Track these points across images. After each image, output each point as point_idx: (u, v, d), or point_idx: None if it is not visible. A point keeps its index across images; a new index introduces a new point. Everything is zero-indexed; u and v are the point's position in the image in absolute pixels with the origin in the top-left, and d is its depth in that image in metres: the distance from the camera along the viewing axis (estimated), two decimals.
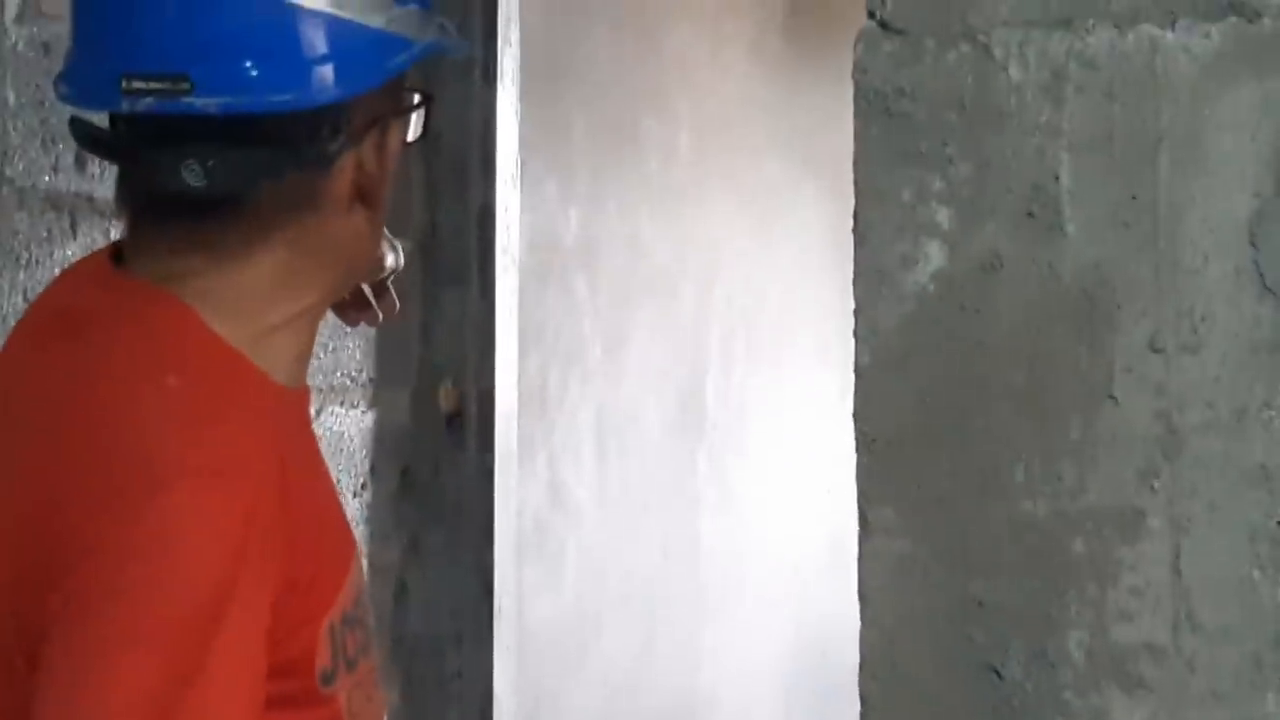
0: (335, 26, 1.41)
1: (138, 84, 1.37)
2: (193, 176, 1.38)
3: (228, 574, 1.31)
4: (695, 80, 4.50)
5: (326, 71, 1.40)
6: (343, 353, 3.05)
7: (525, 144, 3.33)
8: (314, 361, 2.93)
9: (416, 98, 1.52)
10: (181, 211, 1.42)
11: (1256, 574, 1.37)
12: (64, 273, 1.59)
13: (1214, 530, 1.38)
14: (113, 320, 1.43)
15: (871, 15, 1.47)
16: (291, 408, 1.49)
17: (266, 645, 1.35)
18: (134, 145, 1.43)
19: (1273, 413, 1.37)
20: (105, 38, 1.40)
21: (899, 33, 1.46)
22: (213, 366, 1.42)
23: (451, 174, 3.24)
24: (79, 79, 1.42)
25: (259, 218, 1.42)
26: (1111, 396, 1.40)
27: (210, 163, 1.37)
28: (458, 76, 3.22)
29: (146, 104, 1.37)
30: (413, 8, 1.47)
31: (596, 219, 4.08)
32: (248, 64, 1.38)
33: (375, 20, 1.43)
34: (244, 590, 1.32)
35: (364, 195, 1.47)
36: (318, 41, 1.40)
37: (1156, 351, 1.39)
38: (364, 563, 2.79)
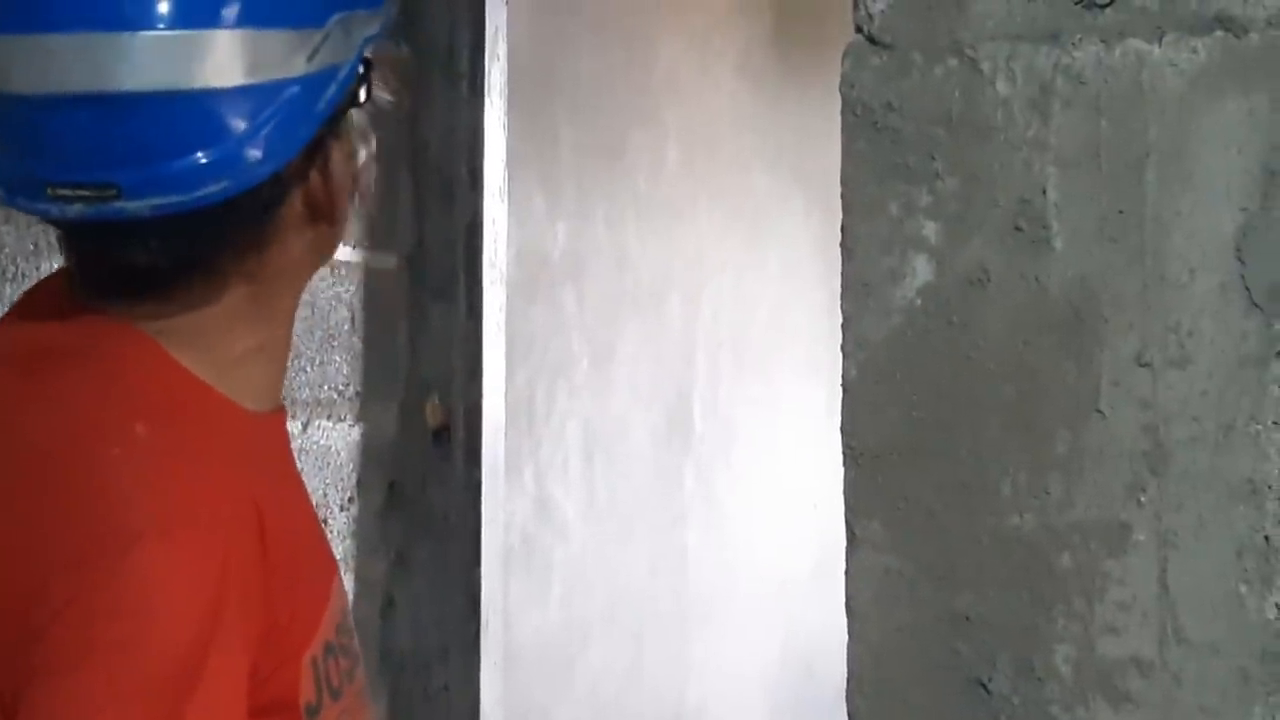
0: (256, 95, 1.35)
1: (64, 191, 1.33)
2: (136, 258, 1.36)
3: (204, 629, 1.29)
4: (683, 94, 4.51)
5: (256, 148, 1.35)
6: (330, 366, 3.04)
7: (513, 158, 3.33)
8: (301, 375, 2.94)
9: (353, 112, 1.46)
10: (132, 277, 1.39)
11: (1243, 588, 1.37)
12: (21, 300, 1.53)
13: (1201, 544, 1.38)
14: (78, 359, 1.40)
15: (859, 30, 1.47)
16: (266, 433, 1.47)
17: (247, 690, 1.33)
18: (73, 233, 1.40)
19: (1259, 427, 1.37)
20: (29, 146, 1.36)
21: (886, 47, 1.46)
22: (181, 407, 1.39)
23: (439, 188, 3.24)
24: (7, 179, 1.37)
25: (214, 267, 1.40)
26: (1099, 410, 1.40)
27: (152, 243, 1.35)
28: (445, 90, 3.22)
29: (76, 210, 1.33)
30: (338, 16, 1.41)
31: (584, 233, 4.08)
32: (173, 164, 1.33)
33: (296, 67, 1.37)
34: (221, 643, 1.29)
35: (320, 214, 1.44)
36: (240, 119, 1.34)
37: (1143, 366, 1.39)
38: (349, 580, 2.79)
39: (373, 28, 1.44)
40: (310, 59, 1.38)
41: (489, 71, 3.23)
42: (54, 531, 1.31)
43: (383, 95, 1.47)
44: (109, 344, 1.40)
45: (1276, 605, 1.36)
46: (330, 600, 1.45)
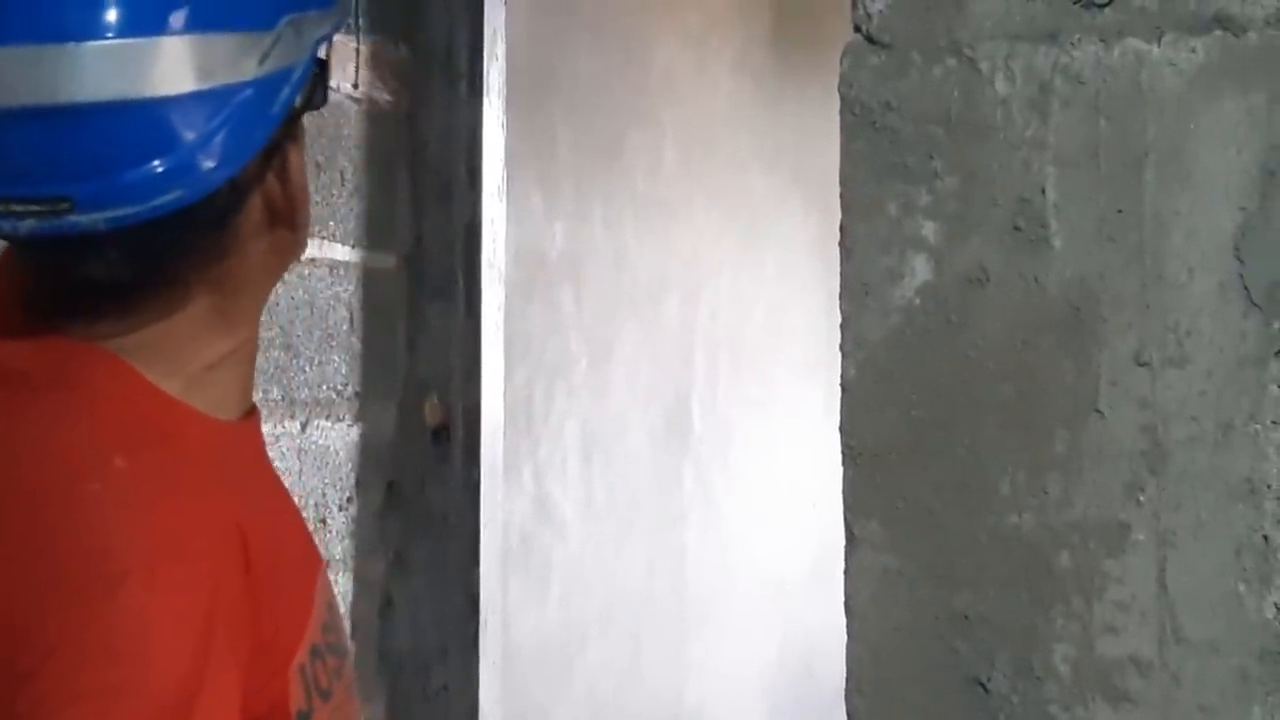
0: (208, 101, 1.33)
1: (15, 207, 1.31)
2: (94, 271, 1.34)
3: (195, 666, 1.27)
4: (681, 94, 4.51)
5: (210, 156, 1.33)
6: (328, 366, 3.04)
7: (511, 158, 3.33)
8: (299, 375, 2.94)
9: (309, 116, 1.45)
10: (91, 292, 1.38)
11: (1242, 587, 1.37)
12: None
13: (1200, 544, 1.38)
14: (47, 388, 1.38)
15: (858, 29, 1.47)
16: (241, 442, 1.46)
17: (237, 710, 1.32)
18: (28, 249, 1.38)
19: (1258, 426, 1.37)
20: None
21: (885, 47, 1.46)
22: (157, 432, 1.37)
23: (437, 188, 3.24)
24: None
25: (175, 277, 1.39)
26: (1097, 410, 1.40)
27: (110, 256, 1.33)
28: (444, 90, 3.22)
29: (29, 225, 1.31)
30: (288, 17, 1.39)
31: (582, 232, 4.08)
32: (125, 175, 1.31)
33: (247, 70, 1.35)
34: (212, 678, 1.28)
35: (281, 218, 1.43)
36: (193, 126, 1.32)
37: (1142, 365, 1.39)
38: (347, 580, 2.78)
39: (324, 28, 1.42)
40: (261, 62, 1.36)
41: (487, 72, 3.23)
42: (38, 572, 1.29)
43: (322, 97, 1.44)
44: (77, 369, 1.38)
45: (1275, 605, 1.36)
46: (315, 603, 1.44)
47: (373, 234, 3.16)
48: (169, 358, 1.39)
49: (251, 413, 1.49)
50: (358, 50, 3.06)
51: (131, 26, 1.31)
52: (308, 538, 1.53)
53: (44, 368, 1.38)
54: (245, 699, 1.33)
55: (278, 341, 2.82)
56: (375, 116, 3.15)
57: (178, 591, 1.28)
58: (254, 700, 1.34)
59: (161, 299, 1.39)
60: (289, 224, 1.43)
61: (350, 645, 1.52)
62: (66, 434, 1.35)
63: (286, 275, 1.56)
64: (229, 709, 1.30)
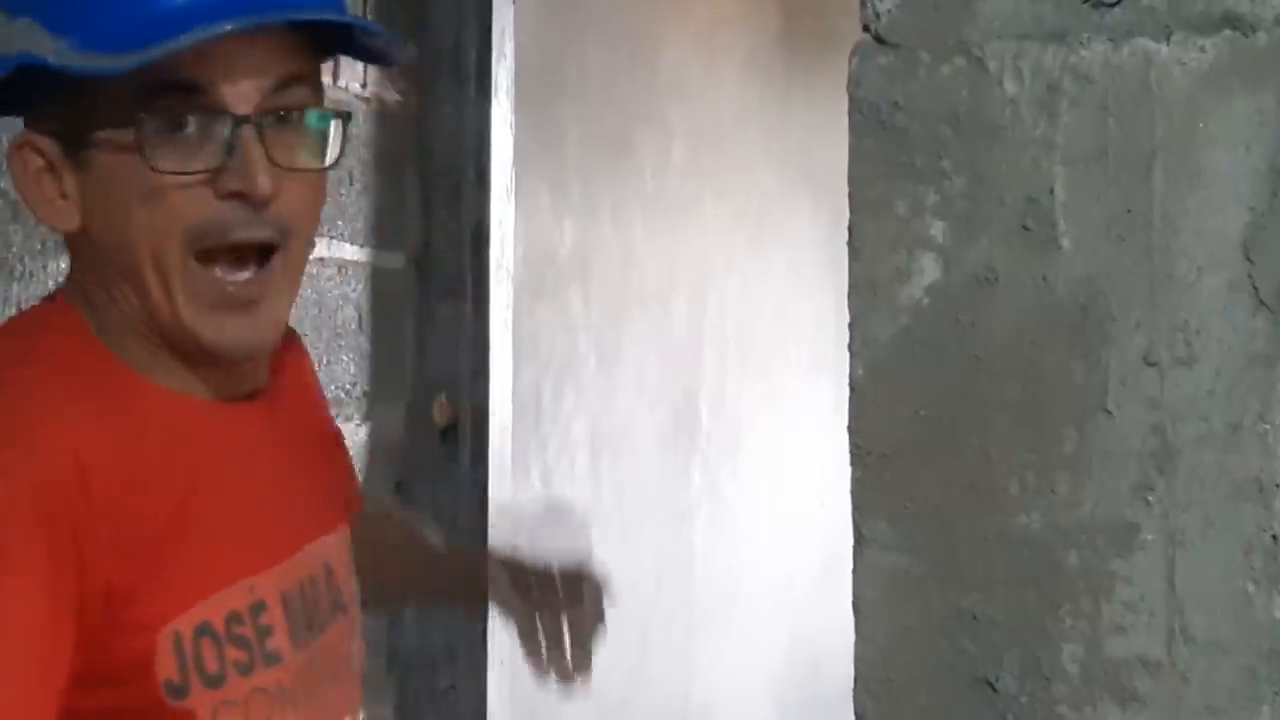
0: None
1: None
2: None
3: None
4: (689, 93, 4.51)
5: None
6: (337, 366, 3.04)
7: (520, 157, 3.33)
8: None
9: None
10: None
11: (1251, 587, 1.37)
12: None
13: (1208, 543, 1.38)
14: (11, 327, 1.49)
15: (866, 29, 1.47)
16: (195, 418, 1.46)
17: (83, 647, 1.34)
18: None
19: (1267, 426, 1.37)
20: None
21: (893, 46, 1.46)
22: (70, 361, 1.41)
23: (446, 188, 3.24)
24: None
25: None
26: (1106, 410, 1.40)
27: None
28: (452, 90, 3.22)
29: None
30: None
31: (591, 232, 4.08)
32: None
33: None
34: (15, 563, 1.30)
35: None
36: None
37: (1151, 365, 1.39)
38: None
39: (41, 48, 1.37)
40: None
41: (496, 71, 3.23)
42: None
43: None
44: (45, 317, 1.48)
45: None
46: (229, 588, 1.43)
47: (381, 234, 3.16)
48: (113, 328, 1.44)
49: (243, 399, 1.50)
50: None
51: None
52: (280, 527, 1.52)
53: (28, 315, 1.52)
54: (97, 638, 1.34)
55: None
56: (383, 116, 3.15)
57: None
58: (106, 650, 1.35)
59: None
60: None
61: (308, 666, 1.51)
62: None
63: None
64: (30, 604, 1.31)
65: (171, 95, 1.38)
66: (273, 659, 1.46)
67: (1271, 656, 1.36)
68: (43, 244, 2.34)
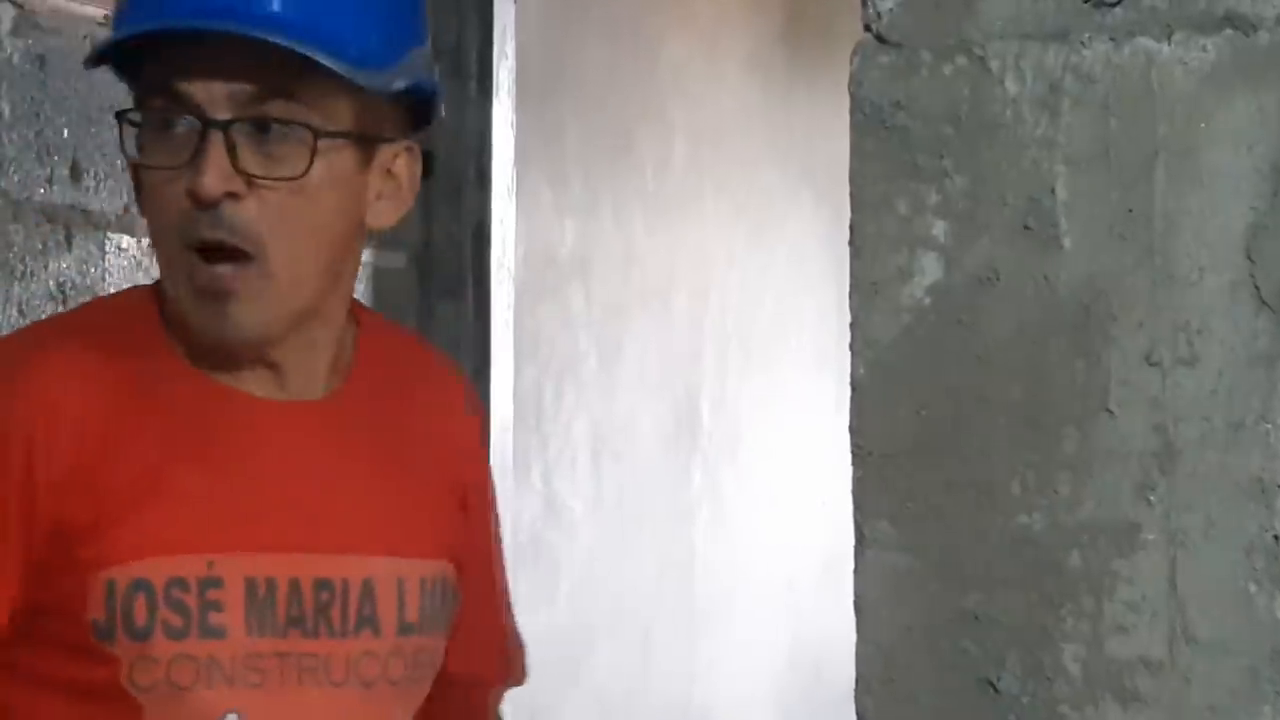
0: None
1: None
2: None
3: None
4: (691, 91, 4.51)
5: None
6: None
7: (520, 156, 3.33)
8: None
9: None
10: None
11: (1253, 588, 1.37)
12: None
13: (1210, 544, 1.38)
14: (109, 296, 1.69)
15: (867, 28, 1.47)
16: (221, 404, 1.53)
17: (29, 576, 1.46)
18: None
19: (1269, 426, 1.37)
20: None
21: (895, 45, 1.46)
22: (109, 324, 1.55)
23: (447, 187, 3.24)
24: None
25: None
26: (1108, 410, 1.40)
27: None
28: (453, 89, 3.22)
29: None
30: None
31: (592, 230, 4.08)
32: None
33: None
34: None
35: None
36: None
37: (1153, 365, 1.39)
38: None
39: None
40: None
41: (497, 70, 3.23)
42: None
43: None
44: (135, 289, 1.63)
45: None
46: (181, 556, 1.49)
47: (382, 233, 3.16)
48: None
49: (303, 401, 1.56)
50: None
51: None
52: (274, 522, 1.54)
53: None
54: (46, 571, 1.47)
55: None
56: None
57: None
58: (46, 583, 1.47)
59: None
60: None
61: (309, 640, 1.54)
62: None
63: None
64: None
65: (161, 96, 1.48)
66: (212, 632, 1.50)
67: (1273, 656, 1.36)
68: (43, 244, 2.34)
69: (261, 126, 1.47)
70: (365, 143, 1.53)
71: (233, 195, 1.45)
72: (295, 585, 1.53)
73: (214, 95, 1.46)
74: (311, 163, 1.48)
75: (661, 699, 4.39)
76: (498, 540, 1.79)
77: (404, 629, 1.58)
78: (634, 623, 4.26)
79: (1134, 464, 1.39)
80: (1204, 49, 1.38)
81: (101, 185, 2.37)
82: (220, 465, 1.52)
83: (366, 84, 1.48)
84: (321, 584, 1.54)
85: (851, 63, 1.47)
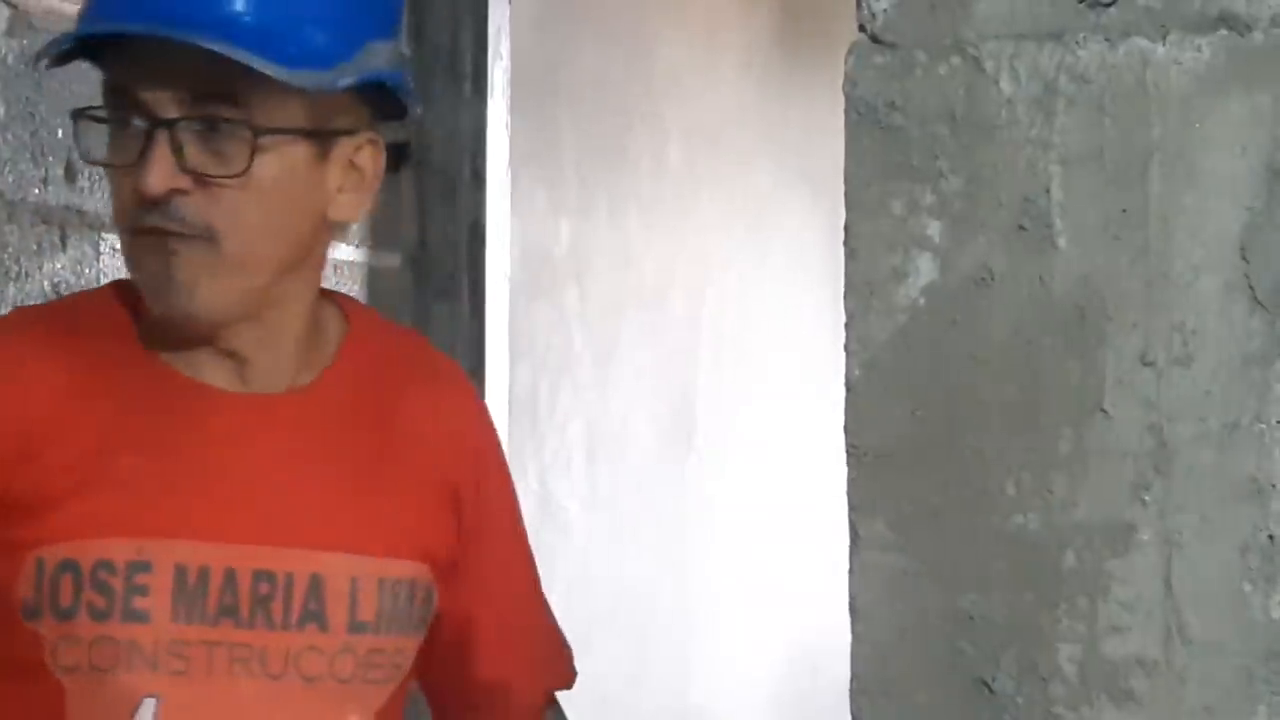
0: None
1: None
2: None
3: None
4: (686, 92, 4.51)
5: None
6: None
7: (516, 157, 3.33)
8: None
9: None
10: None
11: (1247, 587, 1.37)
12: None
13: (1205, 543, 1.38)
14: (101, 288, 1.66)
15: (862, 29, 1.47)
16: (173, 393, 1.55)
17: None
18: None
19: (1263, 426, 1.37)
20: None
21: (890, 46, 1.46)
22: (79, 313, 1.59)
23: (442, 187, 3.24)
24: None
25: None
26: (1103, 410, 1.40)
27: None
28: (448, 90, 3.22)
29: None
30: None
31: (587, 230, 4.08)
32: None
33: None
34: None
35: None
36: None
37: (1147, 365, 1.39)
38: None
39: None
40: None
41: (492, 71, 3.23)
42: None
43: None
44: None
45: None
46: (110, 540, 1.51)
47: (377, 233, 3.16)
48: None
49: (269, 394, 1.57)
50: None
51: None
52: (213, 510, 1.55)
53: None
54: None
55: None
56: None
57: None
58: None
59: None
60: None
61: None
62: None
63: None
64: None
65: (116, 96, 1.52)
66: (135, 615, 1.51)
67: (1268, 656, 1.36)
68: (38, 244, 2.34)
69: (211, 124, 1.50)
70: (319, 137, 1.54)
71: (180, 191, 1.49)
72: (231, 575, 1.53)
73: (160, 96, 1.50)
74: (252, 160, 1.50)
75: (657, 699, 4.39)
76: (519, 540, 1.80)
77: (355, 627, 1.57)
78: (630, 623, 4.26)
79: (1129, 464, 1.39)
80: (1199, 49, 1.38)
81: (96, 186, 2.37)
82: (166, 453, 1.54)
83: (303, 84, 1.49)
84: (262, 575, 1.54)
85: (846, 63, 1.47)
